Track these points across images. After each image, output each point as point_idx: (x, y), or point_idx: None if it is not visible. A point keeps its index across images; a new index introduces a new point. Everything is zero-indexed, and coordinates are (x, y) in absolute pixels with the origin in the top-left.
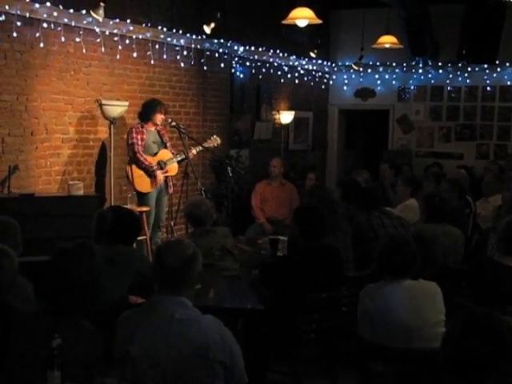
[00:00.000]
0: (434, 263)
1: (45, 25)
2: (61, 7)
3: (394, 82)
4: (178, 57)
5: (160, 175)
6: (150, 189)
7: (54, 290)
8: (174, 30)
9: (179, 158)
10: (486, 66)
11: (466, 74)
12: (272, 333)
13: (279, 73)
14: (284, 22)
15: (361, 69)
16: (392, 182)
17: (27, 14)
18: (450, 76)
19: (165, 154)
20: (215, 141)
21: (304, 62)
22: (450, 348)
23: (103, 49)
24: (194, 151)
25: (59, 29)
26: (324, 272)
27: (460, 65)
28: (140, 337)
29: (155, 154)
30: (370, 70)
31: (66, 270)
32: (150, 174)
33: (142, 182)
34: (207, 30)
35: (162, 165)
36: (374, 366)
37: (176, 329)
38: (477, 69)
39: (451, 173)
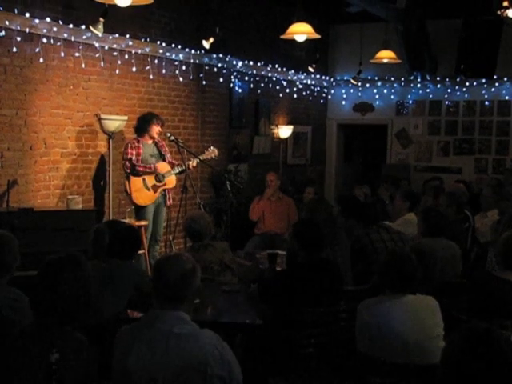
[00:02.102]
0: (431, 278)
1: (44, 40)
2: (60, 23)
3: (392, 97)
4: (177, 71)
5: (161, 164)
6: (148, 202)
7: (42, 302)
8: (173, 45)
9: (177, 171)
10: (483, 80)
11: (464, 89)
12: (270, 347)
13: (278, 87)
14: (282, 36)
15: (359, 83)
16: (391, 194)
17: (27, 30)
18: (449, 90)
19: (163, 167)
20: (213, 152)
21: (302, 77)
22: (450, 364)
23: (102, 63)
24: (193, 163)
25: (59, 44)
26: (323, 286)
27: (458, 79)
28: (138, 351)
29: None
30: (368, 85)
31: (52, 281)
32: (152, 173)
33: (141, 196)
34: (206, 44)
35: (160, 177)
36: (373, 381)
37: (174, 343)
38: (475, 83)
39: (450, 187)
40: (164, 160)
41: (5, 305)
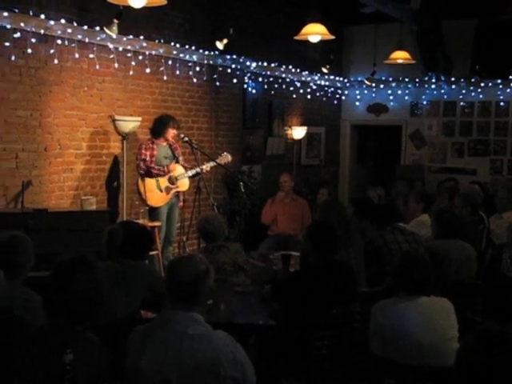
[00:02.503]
0: (446, 279)
1: (59, 41)
2: (75, 24)
3: (406, 98)
4: (191, 72)
5: (173, 166)
6: (161, 203)
7: (54, 302)
8: (187, 46)
9: (191, 174)
10: (499, 81)
11: (479, 89)
12: (284, 349)
13: (291, 88)
14: (296, 37)
15: (373, 84)
16: (404, 198)
17: (42, 31)
18: (463, 91)
19: (176, 169)
20: (225, 158)
21: (316, 78)
22: (464, 365)
23: (116, 65)
24: (207, 167)
25: (73, 45)
26: (336, 288)
27: (473, 80)
28: (151, 351)
29: None
30: (382, 86)
31: (64, 282)
32: (163, 175)
33: (153, 197)
34: (220, 45)
35: (173, 180)
36: (386, 383)
37: (187, 344)
38: (490, 84)
39: (464, 188)
40: (177, 162)
41: (18, 305)
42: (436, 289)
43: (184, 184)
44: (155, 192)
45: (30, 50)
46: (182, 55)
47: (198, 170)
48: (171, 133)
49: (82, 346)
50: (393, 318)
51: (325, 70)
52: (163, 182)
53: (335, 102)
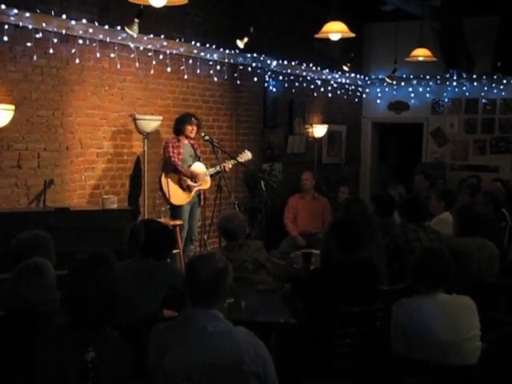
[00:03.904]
0: (467, 277)
1: (80, 41)
2: (96, 24)
3: (427, 95)
4: (212, 71)
5: (197, 164)
6: (183, 202)
7: (72, 302)
8: (208, 45)
9: (213, 172)
10: None
11: (502, 86)
12: (305, 347)
13: (312, 86)
14: (317, 35)
15: (394, 82)
16: (426, 195)
17: (63, 31)
18: (485, 88)
19: (198, 167)
20: (246, 155)
21: (337, 76)
22: (488, 365)
23: (137, 64)
24: (229, 165)
25: (94, 45)
26: (358, 285)
27: (495, 77)
28: (173, 350)
29: (189, 166)
30: (403, 83)
31: (78, 281)
32: (193, 178)
33: (177, 195)
34: (240, 44)
35: (195, 178)
36: (408, 381)
37: (209, 341)
38: None
39: (487, 186)
40: (199, 161)
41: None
42: (458, 287)
43: (206, 182)
44: (178, 190)
45: (51, 50)
46: (202, 54)
47: (220, 168)
48: (189, 129)
49: (106, 344)
50: (414, 315)
51: (345, 68)
52: (186, 180)
53: (356, 99)
